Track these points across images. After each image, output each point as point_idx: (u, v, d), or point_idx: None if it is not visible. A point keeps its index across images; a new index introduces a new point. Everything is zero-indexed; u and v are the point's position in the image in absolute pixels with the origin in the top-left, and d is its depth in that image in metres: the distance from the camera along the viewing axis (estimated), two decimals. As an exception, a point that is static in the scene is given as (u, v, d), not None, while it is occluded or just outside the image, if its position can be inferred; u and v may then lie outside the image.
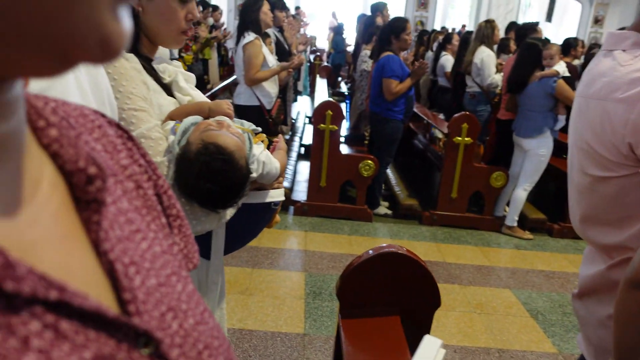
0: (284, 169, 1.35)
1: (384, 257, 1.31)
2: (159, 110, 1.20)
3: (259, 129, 1.35)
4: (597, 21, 14.43)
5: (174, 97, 1.27)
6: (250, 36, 3.74)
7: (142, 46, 1.23)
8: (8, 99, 0.25)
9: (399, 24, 4.02)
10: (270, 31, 4.40)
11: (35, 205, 0.28)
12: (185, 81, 1.32)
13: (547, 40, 3.90)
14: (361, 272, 1.32)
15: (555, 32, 15.80)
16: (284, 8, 4.78)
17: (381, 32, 4.19)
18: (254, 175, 1.21)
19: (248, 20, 3.79)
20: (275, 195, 1.32)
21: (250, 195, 1.25)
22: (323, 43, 15.57)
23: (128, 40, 0.25)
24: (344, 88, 9.91)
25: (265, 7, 3.82)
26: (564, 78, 3.67)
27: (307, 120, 7.61)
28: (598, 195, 1.14)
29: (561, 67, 3.72)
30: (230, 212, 1.22)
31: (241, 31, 3.84)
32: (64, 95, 0.66)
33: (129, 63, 1.14)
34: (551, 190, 5.16)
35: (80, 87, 0.72)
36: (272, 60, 3.91)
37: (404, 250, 1.33)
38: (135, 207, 0.38)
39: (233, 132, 1.16)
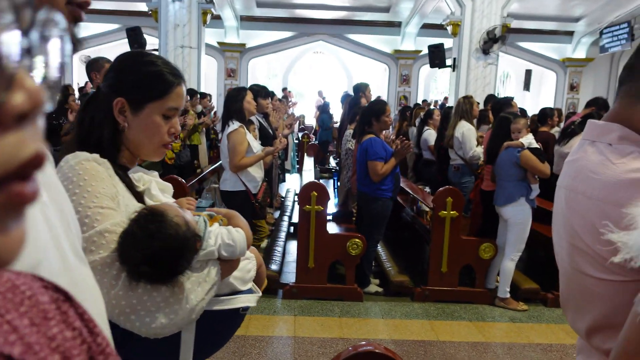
0: (249, 239, 1.29)
1: (361, 356, 1.29)
2: (125, 209, 1.20)
3: (214, 213, 1.34)
4: (573, 88, 15.06)
5: (144, 204, 1.30)
6: (234, 125, 3.86)
7: (122, 157, 1.27)
8: None
9: (379, 107, 4.18)
10: (253, 117, 4.55)
11: None
12: (162, 191, 1.35)
13: (517, 115, 4.06)
14: (338, 371, 1.29)
15: (535, 100, 16.42)
16: (268, 95, 4.98)
17: (362, 114, 4.35)
18: (212, 247, 1.19)
19: (232, 109, 3.93)
20: (246, 301, 1.30)
21: (219, 300, 1.23)
22: (311, 120, 16.06)
23: (20, 248, 0.27)
24: (333, 163, 10.12)
25: (249, 96, 3.98)
26: (532, 149, 3.81)
27: (296, 198, 7.68)
28: (605, 299, 1.02)
29: (527, 139, 3.88)
30: (194, 297, 1.14)
31: (226, 120, 3.97)
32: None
33: (101, 167, 1.17)
34: (542, 258, 5.14)
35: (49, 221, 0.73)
36: (256, 146, 4.01)
37: (381, 348, 1.32)
38: None
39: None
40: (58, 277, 0.68)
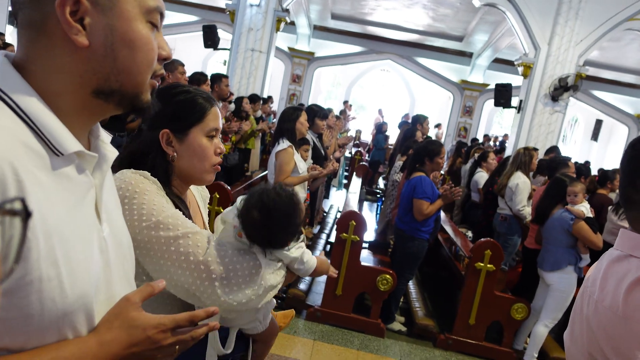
0: (321, 269, 1.46)
1: None
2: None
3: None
4: (645, 146, 14.30)
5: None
6: (284, 143, 3.93)
7: (174, 188, 1.36)
8: None
9: (434, 147, 4.15)
10: (308, 136, 4.60)
11: None
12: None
13: (573, 178, 3.92)
14: None
15: (601, 152, 15.74)
16: (325, 117, 5.02)
17: (416, 152, 4.32)
18: (295, 255, 1.34)
19: (284, 128, 4.00)
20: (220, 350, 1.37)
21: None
22: (368, 136, 16.04)
23: None
24: (381, 184, 10.06)
25: (302, 117, 4.04)
26: (585, 219, 3.66)
27: (338, 215, 7.67)
28: None
29: (584, 208, 3.72)
30: (269, 279, 1.28)
31: (277, 137, 4.05)
32: None
33: (151, 183, 1.26)
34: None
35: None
36: (302, 167, 4.07)
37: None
38: None
39: None
40: (100, 306, 0.76)
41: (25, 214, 0.44)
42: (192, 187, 1.48)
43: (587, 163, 11.40)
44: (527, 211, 4.85)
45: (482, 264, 4.03)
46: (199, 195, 1.52)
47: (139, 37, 0.74)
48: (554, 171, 4.35)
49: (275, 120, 11.35)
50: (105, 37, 0.72)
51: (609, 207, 4.70)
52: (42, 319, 0.66)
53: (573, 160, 5.74)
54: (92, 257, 0.74)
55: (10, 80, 0.69)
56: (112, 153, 0.82)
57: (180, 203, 1.34)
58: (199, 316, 0.83)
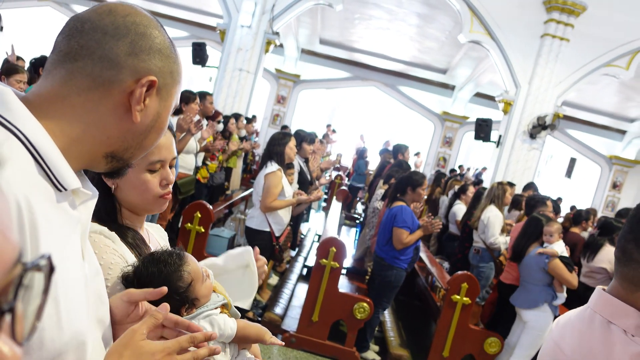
0: (244, 334, 1.26)
1: None
2: None
3: (226, 303, 1.30)
4: (615, 186, 14.76)
5: None
6: (273, 166, 3.97)
7: (124, 217, 1.27)
8: None
9: (418, 178, 4.23)
10: (295, 161, 4.66)
11: None
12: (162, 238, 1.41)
13: (550, 218, 4.04)
14: None
15: (574, 190, 16.14)
16: (312, 142, 5.09)
17: (399, 181, 4.39)
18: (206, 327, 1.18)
19: (273, 151, 4.05)
20: None
21: None
22: (348, 160, 16.13)
23: None
24: (360, 210, 10.12)
25: (292, 143, 4.10)
26: (560, 257, 3.76)
27: (316, 238, 7.67)
28: None
29: (559, 247, 3.82)
30: None
31: (265, 160, 4.09)
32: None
33: (109, 240, 1.17)
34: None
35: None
36: (289, 191, 4.11)
37: None
38: None
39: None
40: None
41: (50, 270, 0.44)
42: (148, 226, 1.40)
43: (559, 199, 11.67)
44: (501, 241, 4.96)
45: (458, 297, 4.08)
46: (158, 235, 1.43)
47: (165, 127, 0.85)
48: (532, 209, 4.47)
49: (257, 139, 11.38)
50: (151, 120, 0.80)
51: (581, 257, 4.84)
52: None
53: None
54: (82, 293, 0.75)
55: (18, 112, 0.69)
56: (96, 192, 0.83)
57: (134, 234, 1.27)
58: (198, 338, 0.86)
